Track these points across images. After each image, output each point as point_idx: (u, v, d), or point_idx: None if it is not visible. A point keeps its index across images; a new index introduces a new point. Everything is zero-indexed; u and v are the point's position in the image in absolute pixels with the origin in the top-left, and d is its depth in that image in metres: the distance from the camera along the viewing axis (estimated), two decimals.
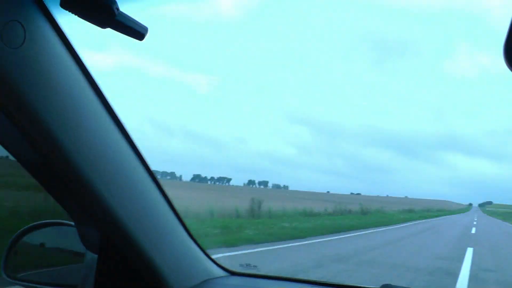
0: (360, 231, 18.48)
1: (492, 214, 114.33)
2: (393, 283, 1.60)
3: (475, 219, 48.15)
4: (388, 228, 22.58)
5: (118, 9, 0.96)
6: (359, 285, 1.84)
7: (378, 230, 20.43)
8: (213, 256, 1.74)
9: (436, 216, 47.53)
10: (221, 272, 1.76)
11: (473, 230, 25.36)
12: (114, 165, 1.17)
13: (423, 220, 34.90)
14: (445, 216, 51.79)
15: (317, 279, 1.91)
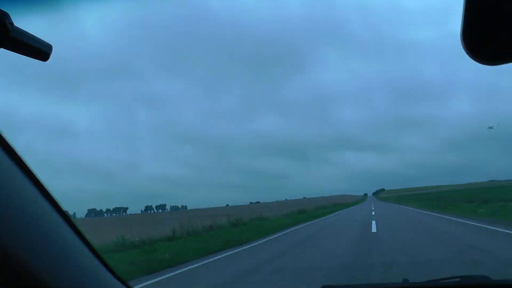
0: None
1: (387, 199, 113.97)
2: None
3: (373, 208, 41.79)
4: (242, 248, 13.10)
5: (12, 23, 0.79)
6: None
7: (210, 260, 10.86)
8: None
9: (330, 213, 40.26)
10: None
11: (374, 228, 16.88)
12: (20, 208, 0.96)
13: (313, 221, 26.40)
14: (340, 211, 44.91)
15: None
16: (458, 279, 1.80)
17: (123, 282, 1.50)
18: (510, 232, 12.02)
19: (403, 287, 1.78)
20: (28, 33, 0.79)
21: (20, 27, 0.78)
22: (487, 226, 14.19)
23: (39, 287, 0.96)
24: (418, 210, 31.00)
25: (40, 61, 0.89)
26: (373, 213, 30.02)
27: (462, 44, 0.70)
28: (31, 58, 0.85)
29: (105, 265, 1.37)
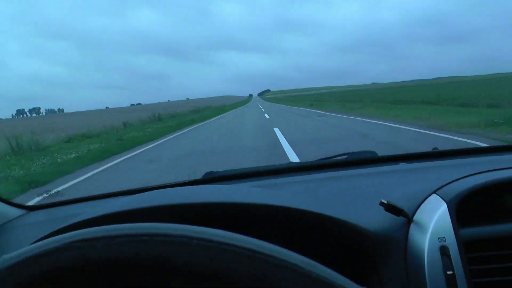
0: None
1: (278, 101, 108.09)
2: None
3: (266, 114, 32.41)
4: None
5: None
6: (183, 181, 1.65)
7: None
8: None
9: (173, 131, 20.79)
10: (17, 211, 1.52)
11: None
12: None
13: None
14: (206, 122, 25.51)
15: (137, 187, 1.65)
16: (346, 156, 1.82)
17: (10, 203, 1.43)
18: None
19: (289, 168, 1.72)
20: None
21: None
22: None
23: None
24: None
25: None
26: (276, 129, 23.11)
27: None
28: None
29: None
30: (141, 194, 1.28)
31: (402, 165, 1.64)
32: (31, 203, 4.53)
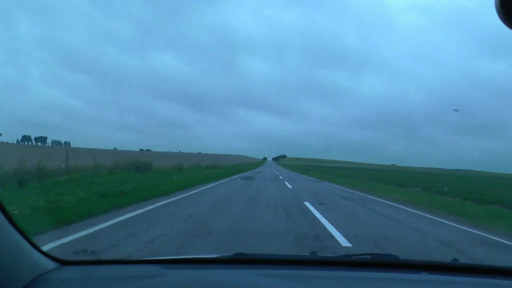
0: None
1: (293, 168, 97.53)
2: None
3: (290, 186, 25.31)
4: None
5: None
6: (212, 256, 1.75)
7: None
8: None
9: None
10: (51, 264, 1.49)
11: None
12: None
13: None
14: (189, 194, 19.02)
15: (165, 257, 1.72)
16: (369, 256, 1.86)
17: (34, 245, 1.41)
18: None
19: (313, 260, 1.83)
20: None
21: None
22: None
23: None
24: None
25: None
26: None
27: (498, 13, 0.68)
28: None
29: (16, 227, 1.27)
30: (174, 272, 1.46)
31: (424, 275, 1.67)
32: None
